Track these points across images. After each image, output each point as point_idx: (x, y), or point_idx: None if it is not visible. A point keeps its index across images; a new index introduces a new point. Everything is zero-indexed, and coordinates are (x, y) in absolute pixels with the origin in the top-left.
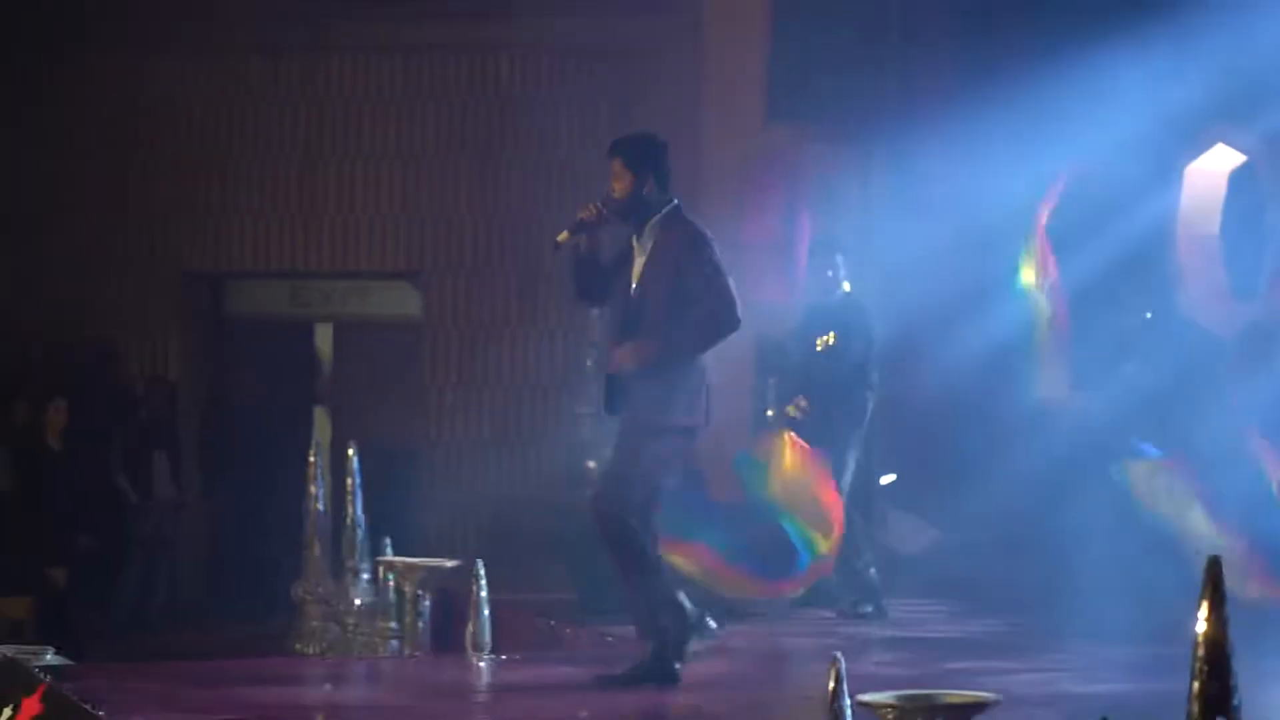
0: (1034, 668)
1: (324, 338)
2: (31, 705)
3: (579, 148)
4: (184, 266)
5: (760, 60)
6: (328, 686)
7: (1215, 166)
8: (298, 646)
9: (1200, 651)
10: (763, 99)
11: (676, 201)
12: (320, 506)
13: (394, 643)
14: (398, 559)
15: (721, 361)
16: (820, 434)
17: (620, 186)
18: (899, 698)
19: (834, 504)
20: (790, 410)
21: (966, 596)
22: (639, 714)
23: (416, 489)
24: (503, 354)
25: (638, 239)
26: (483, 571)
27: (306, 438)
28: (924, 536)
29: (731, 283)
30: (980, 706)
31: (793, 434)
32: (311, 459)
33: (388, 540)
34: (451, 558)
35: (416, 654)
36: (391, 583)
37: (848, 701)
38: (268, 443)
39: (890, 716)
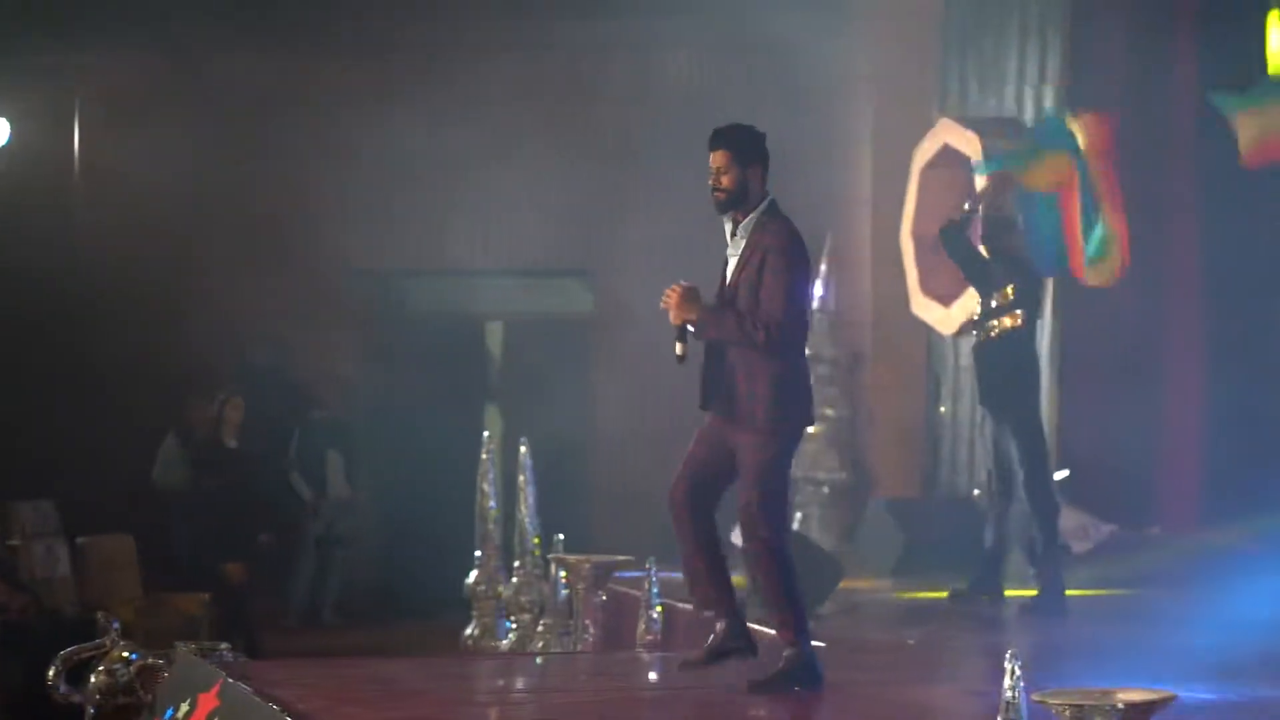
0: None
1: (494, 335)
2: (208, 700)
3: None
4: (354, 264)
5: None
6: (500, 683)
7: None
8: (470, 643)
9: None
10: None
11: (772, 197)
12: (492, 503)
13: (565, 639)
14: (569, 556)
15: None
16: None
17: (727, 180)
18: (1077, 694)
19: None
20: None
21: None
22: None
23: (587, 485)
24: (668, 349)
25: (732, 236)
26: (654, 569)
27: (478, 435)
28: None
29: (792, 298)
30: (1158, 704)
31: None
32: (484, 456)
33: (560, 537)
34: (622, 554)
35: (587, 651)
36: (563, 579)
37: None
38: (440, 440)
39: (1067, 714)
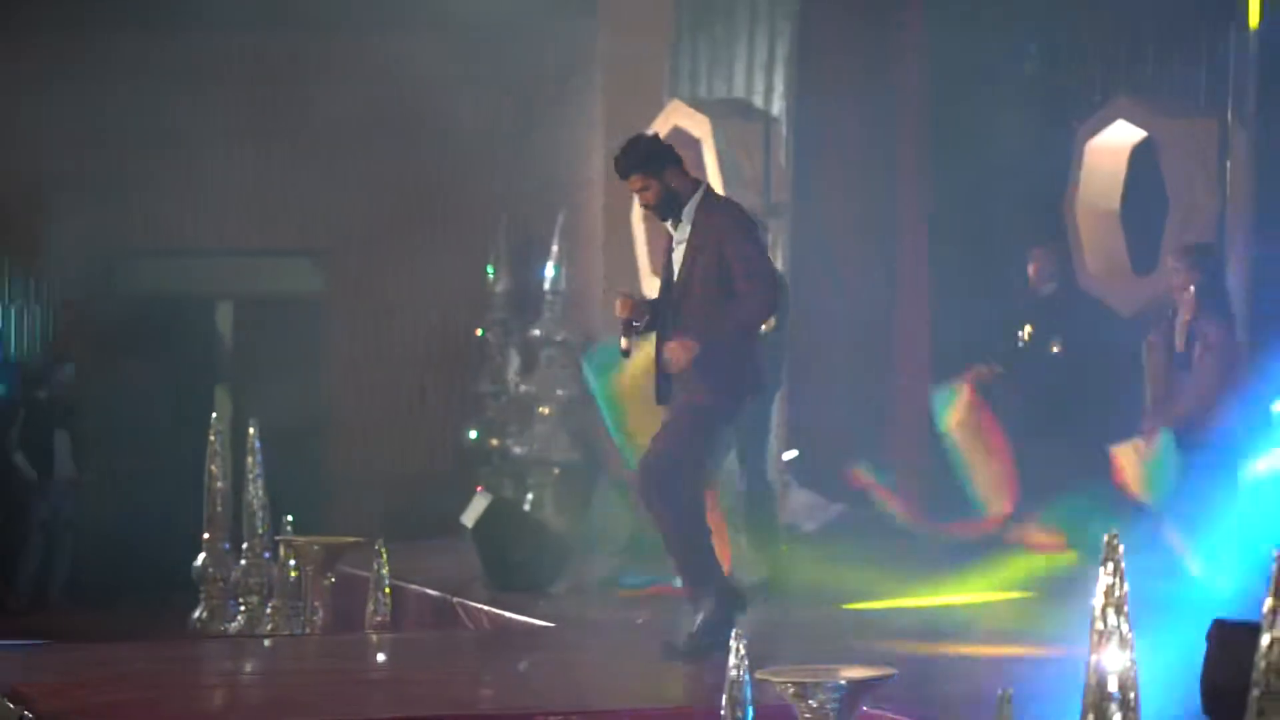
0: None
1: (224, 315)
2: None
3: (476, 127)
4: (81, 243)
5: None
6: (228, 665)
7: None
8: (198, 626)
9: None
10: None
11: (704, 183)
12: (221, 485)
13: (294, 621)
14: (298, 538)
15: None
16: None
17: (650, 195)
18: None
19: None
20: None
21: None
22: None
23: (318, 467)
24: (402, 331)
25: (675, 228)
26: (383, 550)
27: (208, 416)
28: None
29: (766, 260)
30: (878, 680)
31: None
32: (212, 438)
33: (288, 519)
34: (352, 536)
35: (316, 633)
36: (292, 561)
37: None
38: (169, 421)
39: (790, 691)
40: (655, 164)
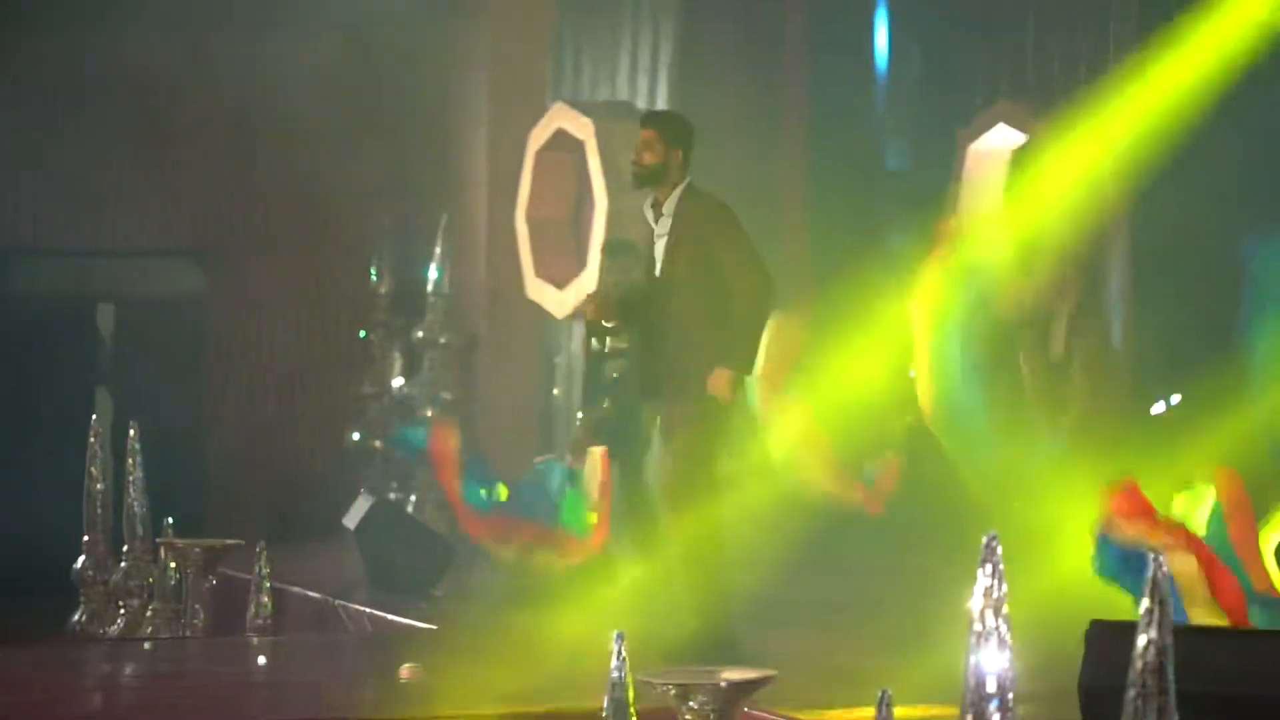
0: None
1: (105, 317)
2: None
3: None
4: None
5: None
6: (108, 669)
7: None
8: (78, 629)
9: None
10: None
11: (689, 179)
12: (101, 487)
13: (175, 624)
14: (179, 540)
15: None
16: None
17: (649, 155)
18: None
19: None
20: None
21: None
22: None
23: (199, 469)
24: (284, 333)
25: (655, 217)
26: (264, 552)
27: (88, 418)
28: None
29: (761, 258)
30: (760, 682)
31: None
32: (92, 439)
33: (169, 521)
34: (234, 538)
35: (197, 635)
36: (173, 564)
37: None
38: (49, 423)
39: (672, 693)
40: (673, 136)
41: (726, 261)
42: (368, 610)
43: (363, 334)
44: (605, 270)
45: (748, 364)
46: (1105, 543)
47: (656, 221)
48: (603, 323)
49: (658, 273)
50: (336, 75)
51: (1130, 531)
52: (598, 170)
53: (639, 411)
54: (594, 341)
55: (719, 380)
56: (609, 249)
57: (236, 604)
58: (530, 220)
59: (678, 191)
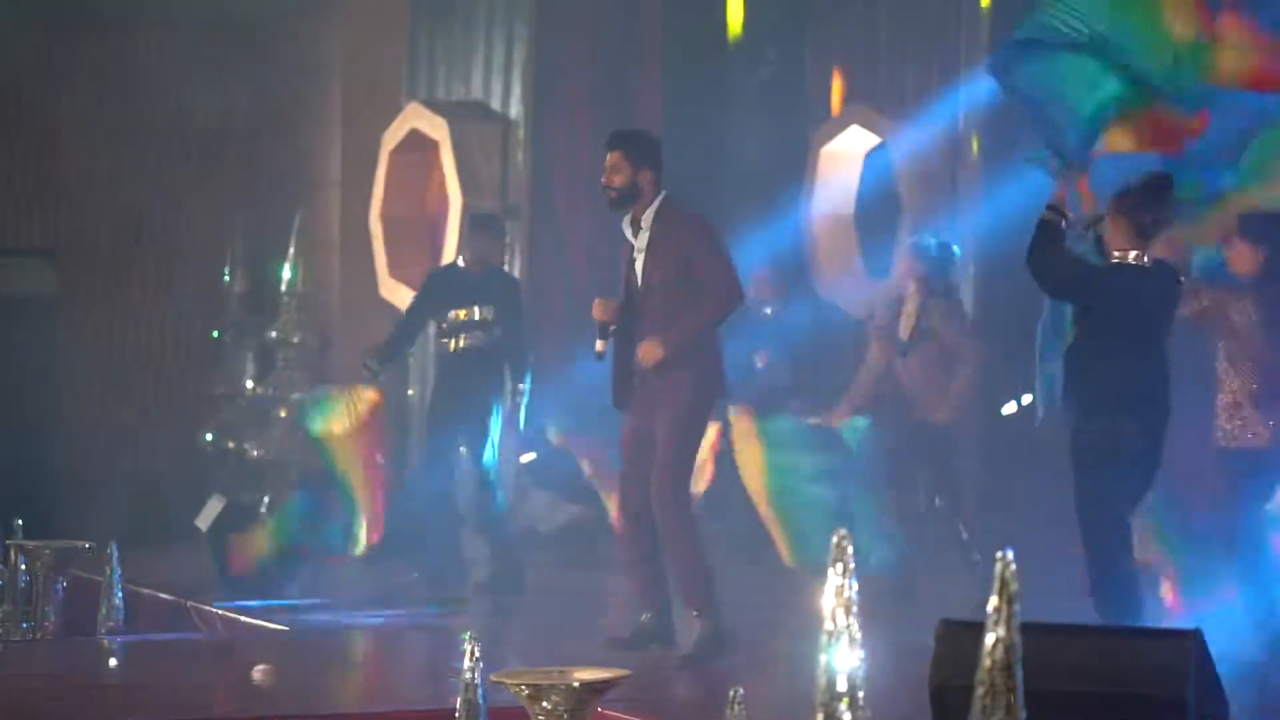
0: None
1: None
2: None
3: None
4: None
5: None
6: None
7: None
8: None
9: None
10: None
11: (665, 192)
12: None
13: (24, 626)
14: (28, 541)
15: None
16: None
17: (618, 179)
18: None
19: None
20: None
21: None
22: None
23: (51, 469)
24: (138, 332)
25: (634, 232)
26: (116, 554)
27: None
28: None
29: (733, 268)
30: (612, 682)
31: None
32: None
33: (19, 522)
34: (86, 539)
35: (47, 637)
36: (23, 565)
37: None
38: None
39: (525, 693)
40: (640, 156)
41: (700, 268)
42: (220, 612)
43: (216, 334)
44: (465, 240)
45: (679, 347)
46: None
47: (635, 236)
48: (608, 325)
49: (639, 284)
50: (191, 74)
51: None
52: (452, 171)
53: None
54: (599, 344)
55: (649, 349)
56: (474, 223)
57: (88, 606)
58: (384, 220)
59: (653, 207)
